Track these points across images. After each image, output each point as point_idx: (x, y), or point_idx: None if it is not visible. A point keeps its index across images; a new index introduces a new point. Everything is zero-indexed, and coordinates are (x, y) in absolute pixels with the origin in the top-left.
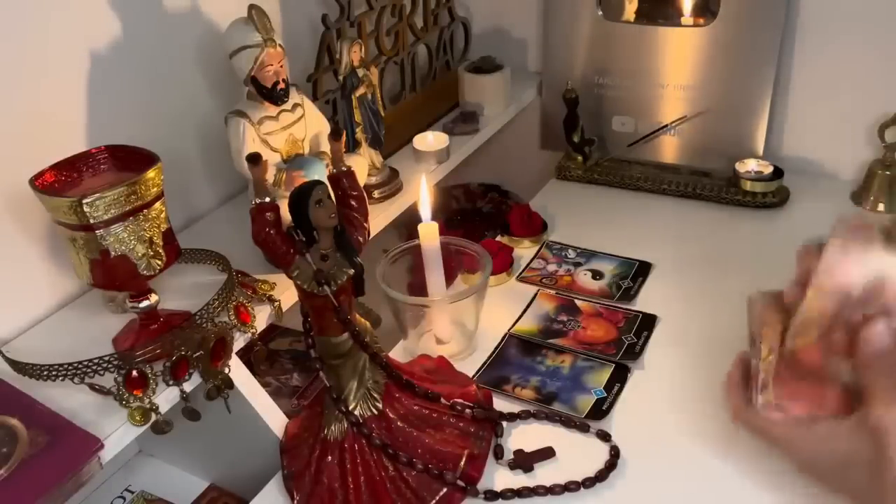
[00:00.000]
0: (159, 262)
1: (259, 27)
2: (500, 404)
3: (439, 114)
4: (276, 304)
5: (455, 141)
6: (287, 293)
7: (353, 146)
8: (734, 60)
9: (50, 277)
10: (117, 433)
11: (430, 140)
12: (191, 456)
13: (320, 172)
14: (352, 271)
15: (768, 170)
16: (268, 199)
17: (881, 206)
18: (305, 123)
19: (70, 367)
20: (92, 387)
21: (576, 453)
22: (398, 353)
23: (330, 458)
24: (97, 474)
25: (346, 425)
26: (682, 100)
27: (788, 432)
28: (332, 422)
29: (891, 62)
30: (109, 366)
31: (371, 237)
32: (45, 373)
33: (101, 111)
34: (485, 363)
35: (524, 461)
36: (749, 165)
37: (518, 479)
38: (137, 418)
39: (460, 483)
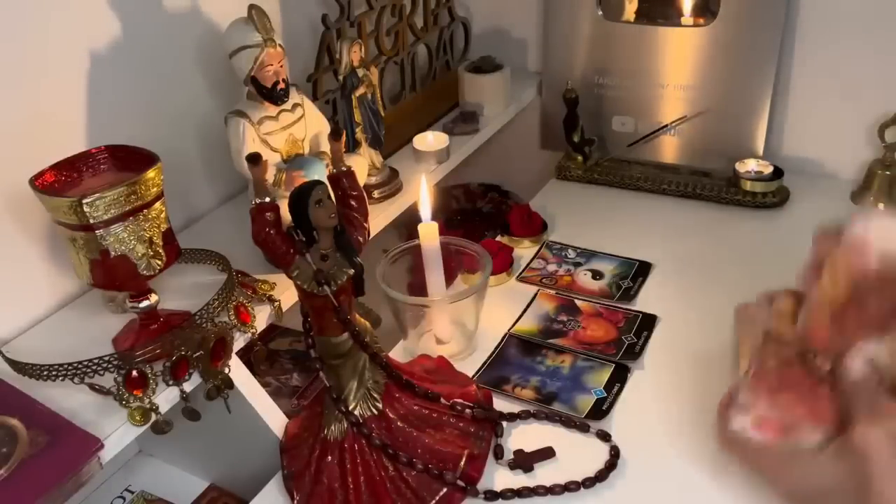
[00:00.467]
0: (159, 262)
1: (259, 27)
2: (500, 404)
3: (439, 114)
4: (276, 304)
5: (455, 141)
6: (287, 293)
7: (353, 146)
8: (734, 60)
9: (50, 277)
10: (117, 433)
11: (430, 140)
12: (191, 456)
13: (320, 172)
14: (352, 271)
15: (768, 170)
16: (268, 199)
17: (881, 206)
18: (305, 123)
19: (70, 367)
20: (92, 387)
21: (576, 453)
22: (398, 353)
23: (330, 458)
24: (97, 474)
25: (346, 425)
26: (682, 100)
27: (772, 462)
28: (332, 422)
29: (891, 62)
30: (109, 366)
31: (371, 237)
32: (45, 373)
33: (101, 111)
34: (485, 363)
35: (524, 461)
36: (749, 165)
37: (518, 479)
38: (137, 418)
39: (460, 483)
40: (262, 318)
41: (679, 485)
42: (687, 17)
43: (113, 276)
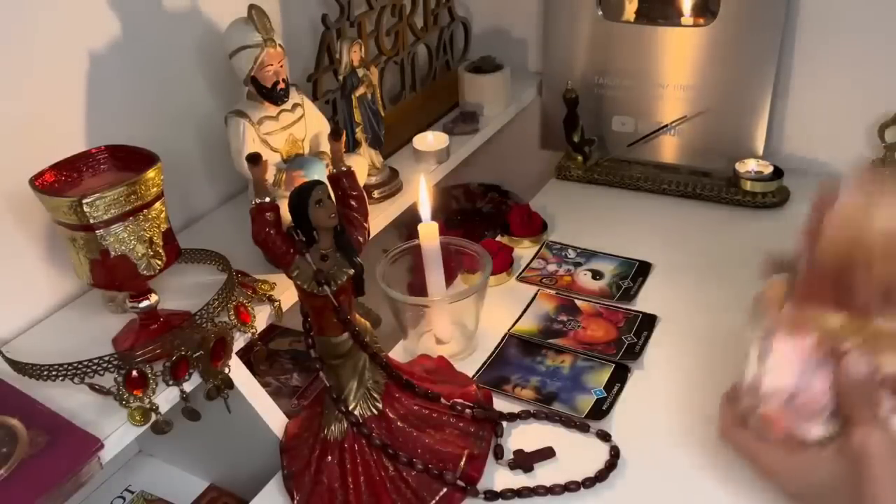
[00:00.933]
0: (159, 262)
1: (259, 27)
2: (500, 404)
3: (439, 114)
4: (276, 304)
5: (455, 141)
6: (287, 293)
7: (353, 146)
8: (734, 60)
9: (50, 277)
10: (117, 433)
11: (430, 140)
12: (191, 456)
13: (320, 172)
14: (352, 271)
15: (768, 170)
16: (268, 199)
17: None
18: (305, 123)
19: (70, 367)
20: (92, 387)
21: (576, 453)
22: (398, 353)
23: (330, 458)
24: (97, 474)
25: (346, 425)
26: (682, 100)
27: (774, 461)
28: (332, 422)
29: (891, 62)
30: (109, 366)
31: (371, 237)
32: (45, 373)
33: (101, 111)
34: (485, 363)
35: (524, 461)
36: (749, 165)
37: (518, 479)
38: (137, 418)
39: (460, 483)
40: (262, 318)
41: (679, 484)
42: (687, 17)
43: (113, 276)
